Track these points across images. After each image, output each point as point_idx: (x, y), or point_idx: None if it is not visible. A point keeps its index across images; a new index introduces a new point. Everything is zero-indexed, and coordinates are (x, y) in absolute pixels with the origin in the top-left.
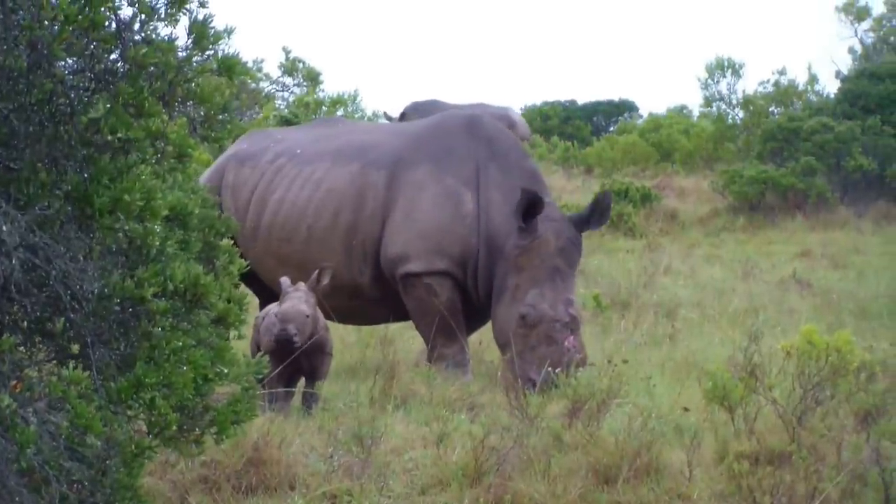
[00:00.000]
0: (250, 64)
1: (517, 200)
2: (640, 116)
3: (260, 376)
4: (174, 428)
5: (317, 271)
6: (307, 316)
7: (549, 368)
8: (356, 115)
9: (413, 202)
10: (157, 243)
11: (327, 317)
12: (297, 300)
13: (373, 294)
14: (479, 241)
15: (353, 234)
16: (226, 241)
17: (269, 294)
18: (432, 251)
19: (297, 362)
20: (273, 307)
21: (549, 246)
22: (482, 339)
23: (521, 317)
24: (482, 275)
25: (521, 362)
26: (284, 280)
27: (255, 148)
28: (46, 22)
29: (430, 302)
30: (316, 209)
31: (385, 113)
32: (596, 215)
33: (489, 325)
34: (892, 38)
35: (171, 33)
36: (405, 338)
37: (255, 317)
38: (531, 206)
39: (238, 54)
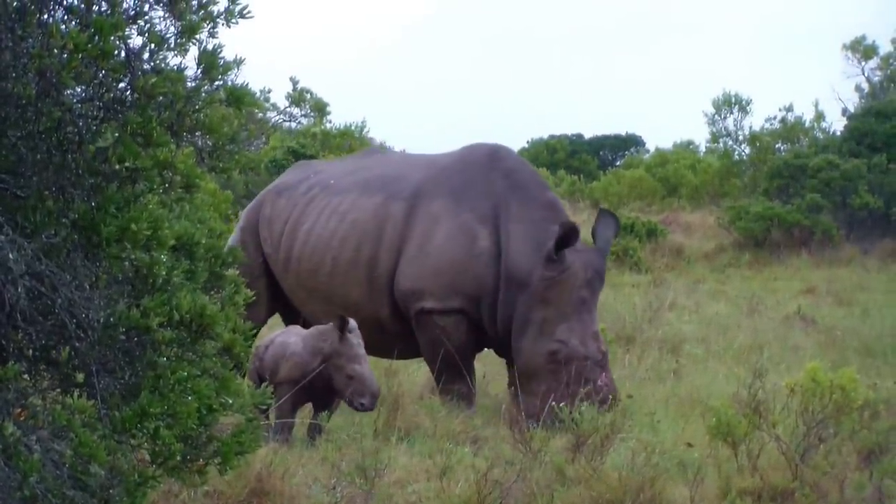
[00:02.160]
0: (258, 94)
1: (538, 232)
2: (647, 151)
3: (264, 407)
4: (178, 458)
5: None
6: None
7: (564, 406)
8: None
9: (428, 235)
10: (164, 273)
11: None
12: (367, 361)
13: (394, 328)
14: (496, 277)
15: (374, 267)
16: (232, 272)
17: (296, 320)
18: (446, 289)
19: (312, 395)
20: (277, 335)
21: (577, 278)
22: (486, 373)
23: (550, 353)
24: (502, 309)
25: (551, 399)
26: (353, 333)
27: (294, 180)
28: (56, 50)
29: (442, 340)
30: (340, 241)
31: None
32: (604, 230)
33: (493, 357)
34: None
35: (181, 63)
36: (409, 370)
37: (256, 346)
38: (567, 238)
39: (247, 85)
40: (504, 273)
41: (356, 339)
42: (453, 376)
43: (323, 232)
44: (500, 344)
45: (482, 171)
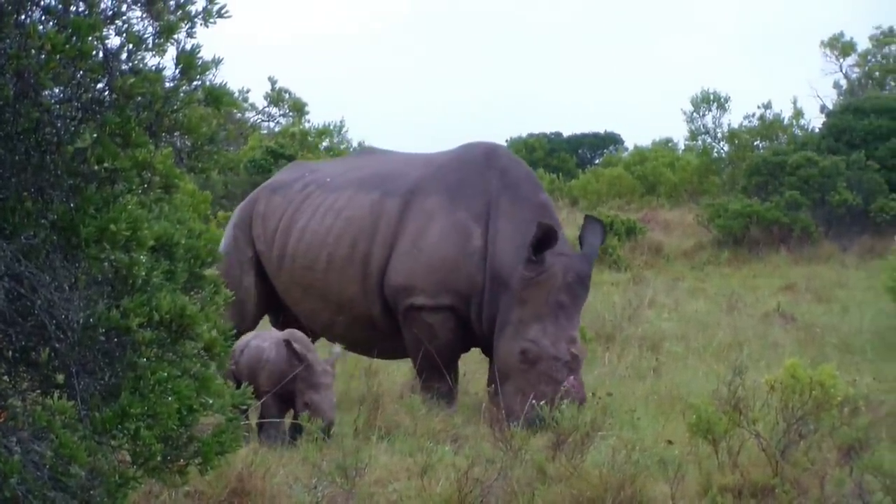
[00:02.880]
0: (236, 94)
1: (526, 232)
2: (626, 149)
3: (244, 407)
4: (158, 458)
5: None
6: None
7: (543, 405)
8: (342, 146)
9: (421, 231)
10: (143, 273)
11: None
12: (331, 390)
13: (385, 325)
14: (484, 276)
15: (367, 264)
16: (211, 272)
17: (285, 318)
18: (438, 286)
19: (290, 397)
20: (252, 338)
21: (555, 281)
22: (465, 371)
23: (521, 352)
24: (487, 307)
25: (520, 398)
26: (300, 348)
27: (289, 177)
28: (33, 51)
29: (428, 337)
30: (336, 238)
31: None
32: (591, 236)
33: (473, 356)
34: (876, 74)
35: (159, 63)
36: (389, 369)
37: (234, 348)
38: (545, 239)
39: (225, 85)
40: (489, 272)
41: (322, 365)
42: (437, 374)
43: (318, 229)
44: (486, 343)
45: (478, 169)
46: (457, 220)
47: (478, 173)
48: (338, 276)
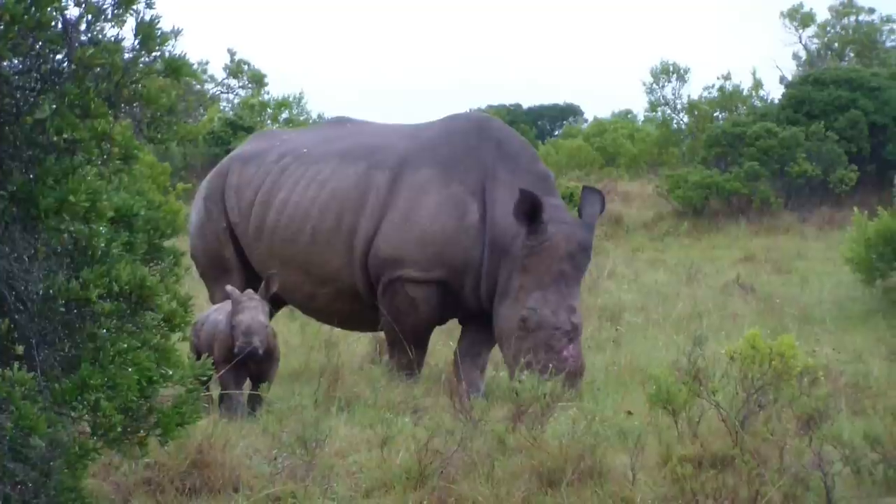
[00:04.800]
0: (195, 65)
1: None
2: (585, 121)
3: (204, 378)
4: (118, 429)
5: (265, 279)
6: (266, 326)
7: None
8: (301, 118)
9: (414, 204)
10: (103, 244)
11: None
12: (255, 310)
13: (370, 298)
14: (483, 249)
15: (354, 236)
16: (170, 243)
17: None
18: (431, 259)
19: (245, 367)
20: (213, 311)
21: (558, 250)
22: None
23: (521, 319)
24: (486, 279)
25: (516, 365)
26: (231, 288)
27: (260, 148)
28: None
29: (407, 311)
30: (320, 210)
31: None
32: (590, 206)
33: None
34: (836, 45)
35: (118, 34)
36: (349, 341)
37: (196, 320)
38: (529, 208)
39: (185, 56)
40: (489, 240)
41: (247, 294)
42: (404, 348)
43: (301, 201)
44: (476, 314)
45: (472, 142)
46: (452, 193)
47: (471, 146)
48: (322, 248)
